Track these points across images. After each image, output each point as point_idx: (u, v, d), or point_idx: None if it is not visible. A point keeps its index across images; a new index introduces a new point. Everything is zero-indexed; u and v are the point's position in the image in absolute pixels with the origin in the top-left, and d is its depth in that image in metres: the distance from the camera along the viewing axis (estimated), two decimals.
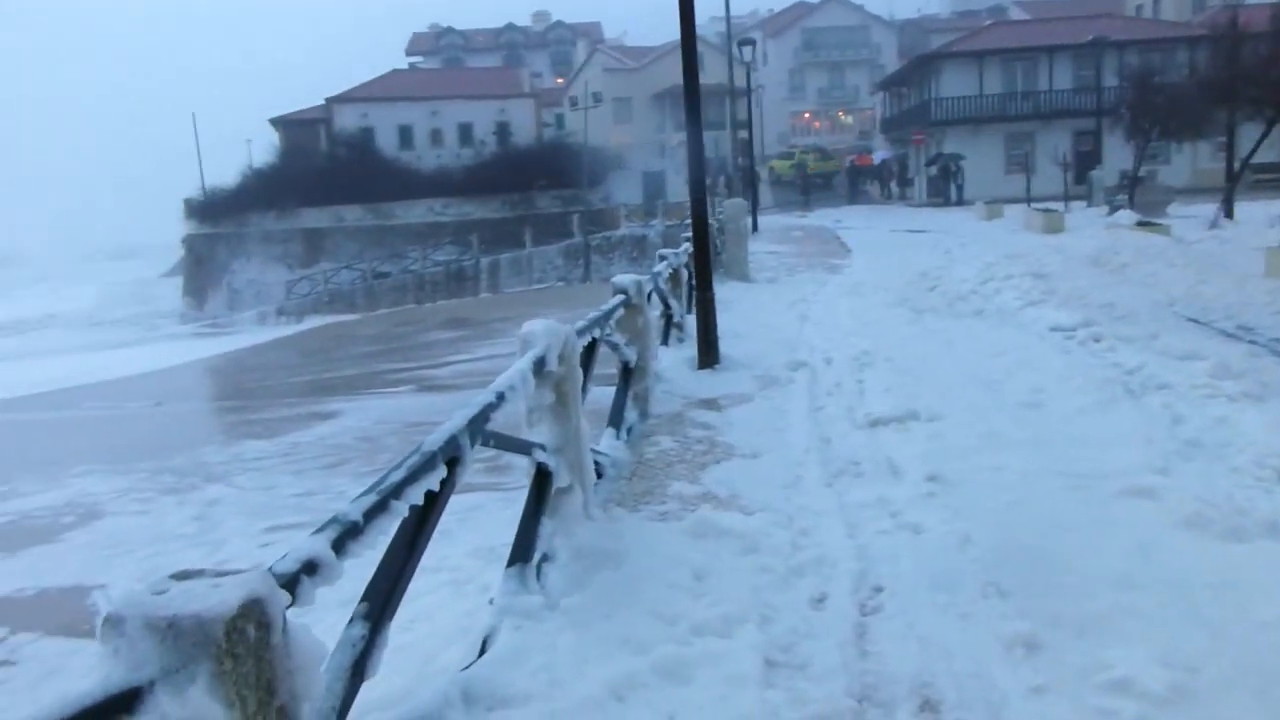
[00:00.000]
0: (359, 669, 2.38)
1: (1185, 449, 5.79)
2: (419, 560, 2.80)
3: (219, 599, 1.75)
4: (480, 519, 8.14)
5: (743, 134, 34.72)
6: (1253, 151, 22.09)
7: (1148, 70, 27.17)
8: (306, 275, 45.33)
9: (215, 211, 49.98)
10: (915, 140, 45.57)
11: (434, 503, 2.91)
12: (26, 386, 24.78)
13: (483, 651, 3.44)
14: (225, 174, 52.42)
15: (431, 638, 6.24)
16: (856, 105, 67.82)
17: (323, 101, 55.25)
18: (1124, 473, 5.20)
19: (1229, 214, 21.66)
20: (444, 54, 75.84)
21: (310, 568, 2.12)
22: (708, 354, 8.72)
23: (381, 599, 2.56)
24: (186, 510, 11.14)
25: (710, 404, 7.48)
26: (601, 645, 3.30)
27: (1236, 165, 22.64)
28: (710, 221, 18.00)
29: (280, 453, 13.77)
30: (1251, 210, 23.16)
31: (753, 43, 30.18)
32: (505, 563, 3.95)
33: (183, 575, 1.86)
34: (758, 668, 3.19)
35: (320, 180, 48.05)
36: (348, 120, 54.32)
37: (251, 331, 37.87)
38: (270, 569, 2.06)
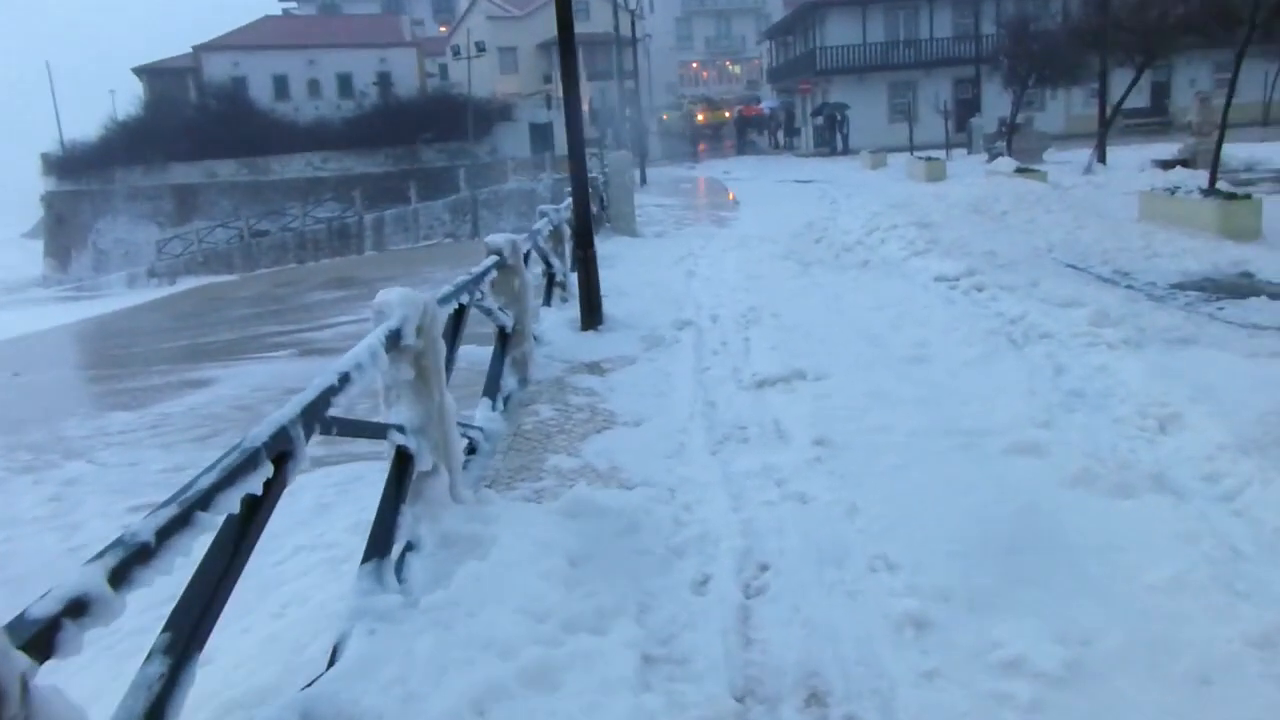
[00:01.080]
0: (156, 716, 2.02)
1: (1069, 400, 5.76)
2: (236, 579, 2.44)
3: None
4: (361, 490, 7.71)
5: (629, 84, 34.21)
6: (1124, 97, 22.67)
7: (1023, 18, 27.63)
8: (178, 234, 43.15)
9: (77, 167, 47.02)
10: (802, 90, 45.71)
11: (258, 508, 2.55)
12: None
13: (333, 661, 3.11)
14: (87, 127, 49.31)
15: (302, 624, 5.83)
16: (744, 55, 67.75)
17: (190, 50, 52.33)
18: (1010, 428, 5.13)
19: (1102, 159, 22.25)
20: (319, 0, 72.65)
21: (76, 609, 1.76)
22: (591, 315, 8.40)
23: (188, 628, 2.20)
24: (43, 490, 10.37)
25: (593, 368, 7.19)
26: (464, 649, 3.01)
27: (1109, 111, 23.23)
28: (595, 176, 17.68)
29: (148, 425, 13.00)
30: (1124, 155, 23.89)
31: None
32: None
33: None
34: (634, 667, 2.94)
35: (190, 133, 45.62)
36: (218, 70, 51.59)
37: (120, 295, 35.91)
38: (23, 616, 1.69)
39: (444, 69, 58.62)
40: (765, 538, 3.95)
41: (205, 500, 2.23)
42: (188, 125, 46.69)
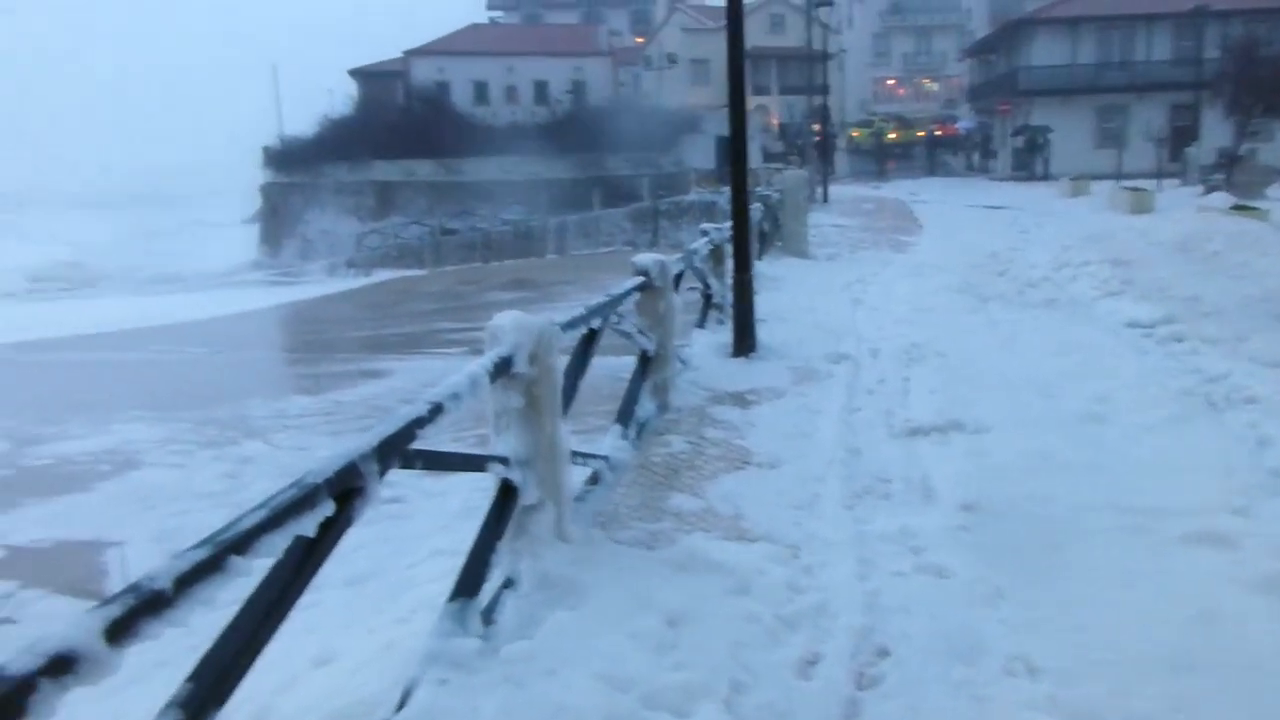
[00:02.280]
0: None
1: (1272, 481, 5.02)
2: (275, 630, 2.27)
3: None
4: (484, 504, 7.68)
5: (819, 100, 33.56)
6: None
7: (1252, 42, 25.41)
8: (377, 228, 45.44)
9: (292, 161, 50.30)
10: (1001, 110, 43.70)
11: (312, 552, 2.38)
12: (100, 325, 25.13)
13: (401, 705, 2.94)
14: (305, 125, 52.78)
15: (424, 635, 5.76)
16: (943, 73, 65.42)
17: (401, 54, 55.12)
18: (1195, 511, 4.48)
19: None
20: (524, 9, 75.15)
21: (58, 667, 1.60)
22: (742, 341, 8.06)
23: (211, 683, 2.04)
24: (220, 466, 10.93)
25: (737, 399, 6.85)
26: (532, 712, 2.77)
27: None
28: (770, 193, 17.27)
29: (322, 411, 13.54)
30: None
31: (831, 3, 29.00)
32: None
33: None
34: None
35: (394, 133, 47.97)
36: (424, 74, 54.11)
37: (320, 282, 38.03)
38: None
39: (637, 79, 59.43)
40: (890, 616, 3.53)
41: (242, 544, 2.07)
42: (393, 125, 49.12)
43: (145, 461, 11.30)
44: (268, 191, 51.14)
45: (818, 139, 34.45)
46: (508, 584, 3.70)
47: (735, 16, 7.85)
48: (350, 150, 48.04)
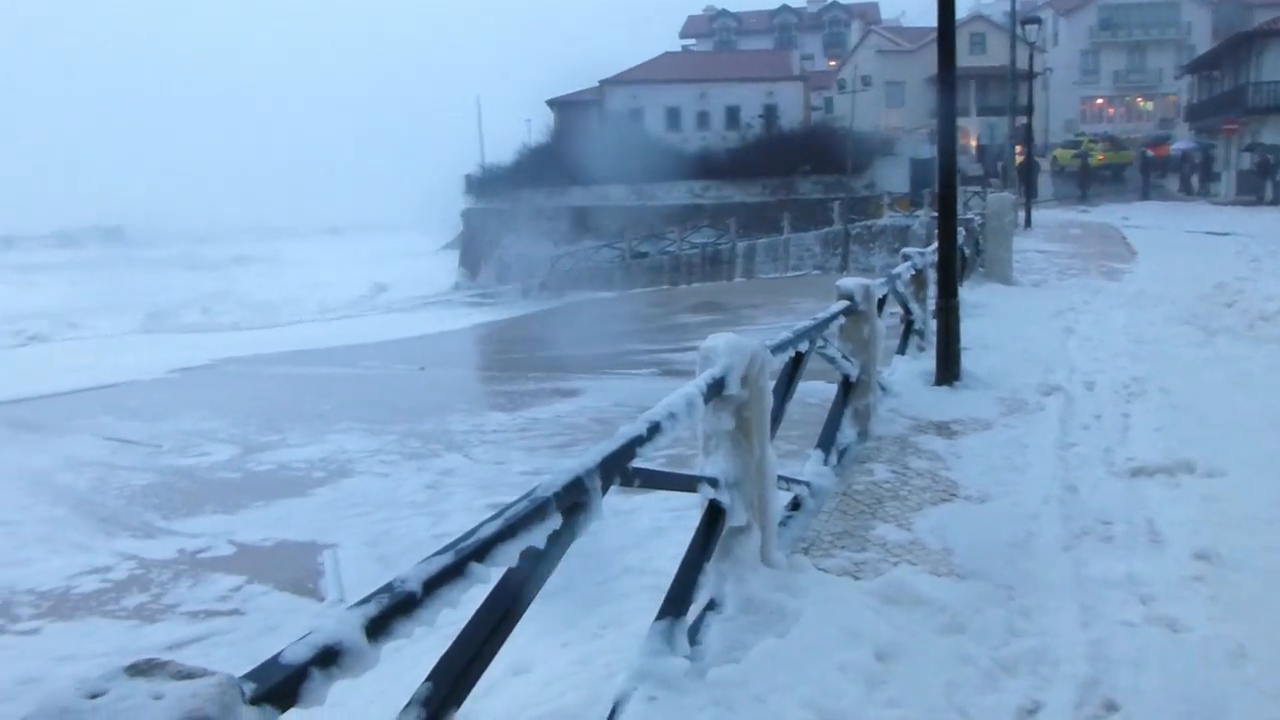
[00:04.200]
0: None
1: None
2: (506, 637, 2.36)
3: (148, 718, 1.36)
4: (697, 519, 7.73)
5: (1021, 120, 32.22)
6: None
7: None
8: (570, 252, 46.80)
9: (491, 187, 52.62)
10: (1226, 130, 40.61)
11: (538, 564, 2.46)
12: (319, 341, 27.01)
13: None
14: (504, 153, 55.17)
15: (615, 650, 5.85)
16: (1158, 90, 61.53)
17: (597, 84, 56.76)
18: None
19: None
20: (717, 36, 75.95)
21: (326, 658, 1.72)
22: (946, 370, 7.80)
23: (449, 684, 2.14)
24: (423, 477, 11.53)
25: (941, 429, 6.62)
26: None
27: None
28: (971, 217, 16.68)
29: (518, 427, 14.06)
30: None
31: (1038, 21, 27.87)
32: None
33: (139, 669, 1.50)
34: None
35: (589, 160, 49.41)
36: (618, 102, 55.51)
37: (515, 304, 39.54)
38: (275, 659, 1.67)
39: (829, 102, 58.91)
40: (1118, 669, 3.30)
41: (482, 551, 2.17)
42: (587, 152, 50.61)
43: (356, 470, 12.05)
44: (468, 217, 53.63)
45: (1020, 161, 33.05)
46: (711, 606, 3.71)
47: (946, 33, 7.65)
48: (546, 177, 49.80)
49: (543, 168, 50.65)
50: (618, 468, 2.88)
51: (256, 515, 10.43)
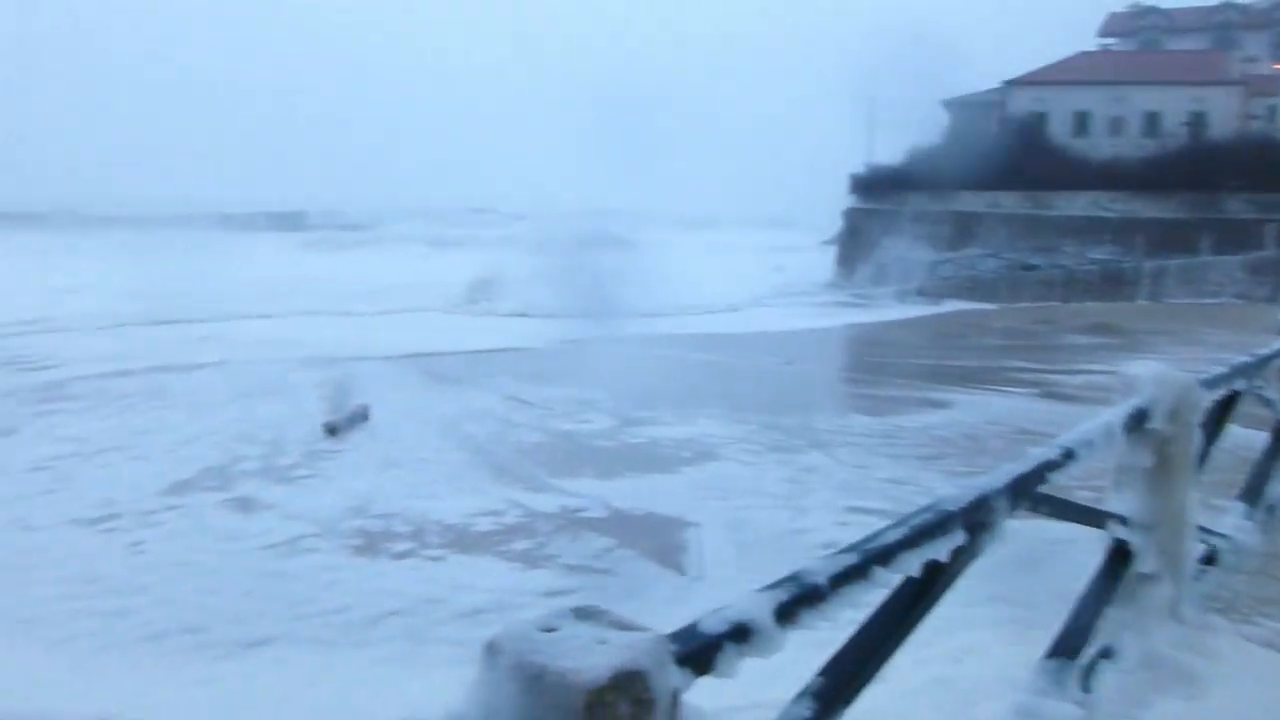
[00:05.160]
0: None
1: None
2: (899, 645, 2.31)
3: (591, 662, 1.48)
4: (1072, 555, 7.19)
5: None
6: None
7: None
8: (952, 258, 45.09)
9: (875, 188, 51.93)
10: None
11: (938, 576, 2.39)
12: (688, 327, 28.24)
13: None
14: (892, 153, 54.15)
15: (976, 679, 5.62)
16: None
17: (999, 84, 53.99)
18: None
19: None
20: (1141, 35, 69.14)
21: (739, 634, 1.78)
22: None
23: (842, 681, 2.13)
24: (784, 471, 11.69)
25: None
26: None
27: None
28: None
29: (882, 433, 13.82)
30: None
31: None
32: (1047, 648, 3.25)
33: (583, 613, 1.64)
34: None
35: (982, 164, 47.17)
36: (1022, 104, 52.48)
37: (887, 307, 38.77)
38: (693, 627, 1.76)
39: (1274, 110, 51.67)
40: None
41: (886, 556, 2.14)
42: (982, 156, 48.33)
43: (721, 455, 12.43)
44: (850, 216, 53.30)
45: None
46: (1106, 653, 3.42)
47: None
48: (935, 179, 48.20)
49: (932, 170, 49.09)
50: (1025, 491, 2.72)
51: (628, 484, 11.08)
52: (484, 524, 9.48)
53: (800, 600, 1.93)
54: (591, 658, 1.52)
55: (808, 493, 10.98)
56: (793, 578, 1.98)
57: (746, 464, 12.20)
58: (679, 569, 8.28)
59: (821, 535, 9.12)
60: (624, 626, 1.61)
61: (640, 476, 11.51)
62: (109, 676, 6.17)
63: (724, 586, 7.56)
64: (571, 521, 9.57)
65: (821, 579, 1.99)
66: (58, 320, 26.04)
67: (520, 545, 8.89)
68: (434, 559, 8.54)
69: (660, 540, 9.19)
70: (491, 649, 1.57)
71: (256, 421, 13.84)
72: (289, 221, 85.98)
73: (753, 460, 12.36)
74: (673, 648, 1.66)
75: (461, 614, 7.21)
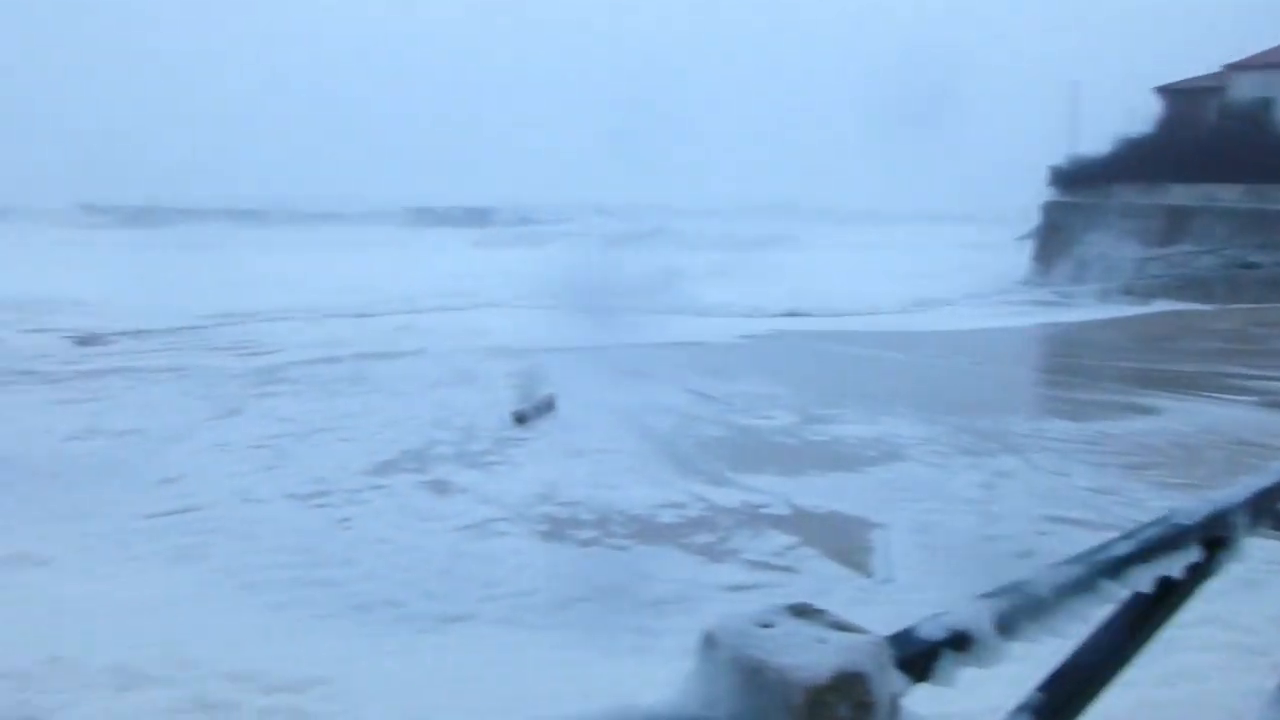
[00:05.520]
0: None
1: None
2: (1125, 665, 2.18)
3: (811, 660, 1.46)
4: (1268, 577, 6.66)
5: None
6: None
7: None
8: (1161, 255, 42.19)
9: (1077, 180, 49.21)
10: None
11: (1170, 593, 2.23)
12: (872, 324, 27.62)
13: None
14: (1097, 143, 51.19)
15: (1190, 705, 5.32)
16: None
17: (1219, 68, 50.06)
18: None
19: None
20: None
21: (959, 641, 1.73)
22: None
23: (1063, 697, 2.03)
24: (975, 474, 11.28)
25: None
26: None
27: None
28: None
29: (1084, 439, 13.14)
30: None
31: None
32: None
33: (799, 610, 1.63)
34: None
35: (1198, 155, 43.91)
36: (1246, 89, 48.46)
37: (1089, 307, 36.66)
38: (909, 631, 1.72)
39: None
40: None
41: (1115, 569, 2.02)
42: (1198, 146, 45.00)
43: (908, 456, 12.10)
44: (1048, 210, 50.69)
45: None
46: None
47: None
48: (1144, 171, 45.23)
49: (1141, 161, 46.09)
50: (1268, 507, 2.51)
51: (811, 482, 10.96)
52: (666, 516, 9.59)
53: (1022, 611, 1.85)
54: (811, 656, 1.50)
55: (1001, 498, 10.56)
56: (1014, 587, 1.90)
57: (935, 466, 11.85)
58: (864, 570, 8.13)
59: (1016, 543, 8.75)
60: (842, 627, 1.58)
61: (823, 474, 11.38)
62: (319, 642, 6.60)
63: (912, 591, 7.37)
64: (753, 517, 9.55)
65: (1045, 590, 1.89)
66: (274, 311, 28.06)
67: (702, 539, 8.94)
68: (618, 548, 8.71)
69: (844, 540, 9.05)
70: (708, 641, 1.57)
71: (450, 408, 14.49)
72: (476, 217, 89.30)
73: (942, 462, 11.99)
74: (892, 651, 1.62)
75: (645, 603, 7.32)
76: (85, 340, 22.70)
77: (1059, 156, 52.27)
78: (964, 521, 9.61)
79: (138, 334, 23.63)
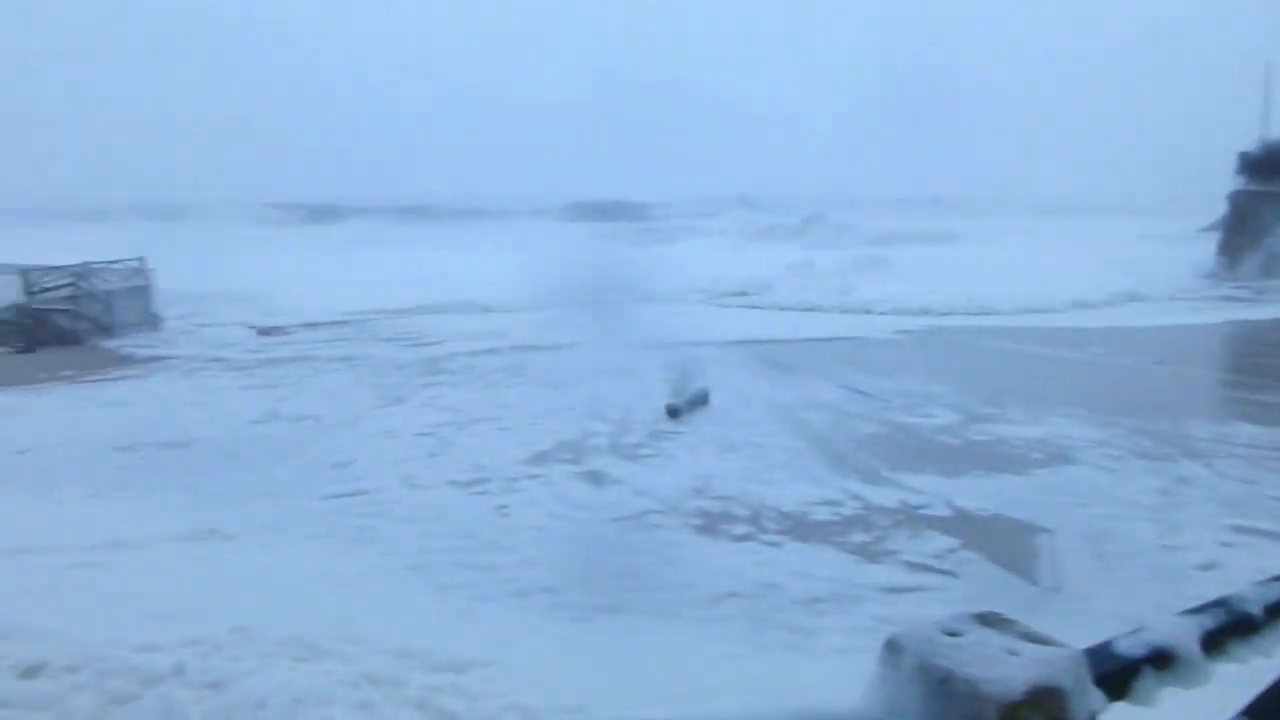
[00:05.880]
0: None
1: None
2: None
3: (1004, 673, 1.40)
4: None
5: None
6: None
7: None
8: None
9: (1271, 168, 45.70)
10: None
11: None
12: (1032, 320, 26.42)
13: None
14: None
15: None
16: None
17: None
18: None
19: None
20: None
21: (1160, 659, 1.62)
22: None
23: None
24: (1153, 480, 10.66)
25: None
26: None
27: None
28: None
29: (1275, 445, 12.23)
30: None
31: None
32: None
33: (988, 620, 1.55)
34: None
35: None
36: None
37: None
38: (1106, 646, 1.62)
39: None
40: None
41: None
42: None
43: (1078, 459, 11.51)
44: (1236, 199, 47.29)
45: None
46: None
47: None
48: None
49: None
50: None
51: (974, 484, 10.59)
52: (821, 513, 9.44)
53: (1229, 629, 1.71)
54: (1004, 668, 1.43)
55: (1181, 506, 9.93)
56: (1220, 603, 1.77)
57: (1108, 470, 11.24)
58: (1031, 578, 7.79)
59: (1199, 554, 8.22)
60: (1035, 639, 1.50)
61: (986, 476, 10.97)
62: (479, 625, 6.80)
63: (1084, 601, 7.03)
64: (911, 518, 9.30)
65: (1256, 608, 1.75)
66: (454, 304, 29.00)
67: (858, 538, 8.76)
68: (771, 544, 8.63)
69: (1009, 545, 8.70)
70: (893, 647, 1.52)
71: (605, 400, 14.69)
72: (633, 212, 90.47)
73: (1115, 466, 11.37)
74: (1089, 667, 1.53)
75: (799, 601, 7.23)
76: (267, 331, 24.19)
77: (1249, 142, 48.70)
78: (1139, 529, 9.08)
79: (313, 325, 24.98)
